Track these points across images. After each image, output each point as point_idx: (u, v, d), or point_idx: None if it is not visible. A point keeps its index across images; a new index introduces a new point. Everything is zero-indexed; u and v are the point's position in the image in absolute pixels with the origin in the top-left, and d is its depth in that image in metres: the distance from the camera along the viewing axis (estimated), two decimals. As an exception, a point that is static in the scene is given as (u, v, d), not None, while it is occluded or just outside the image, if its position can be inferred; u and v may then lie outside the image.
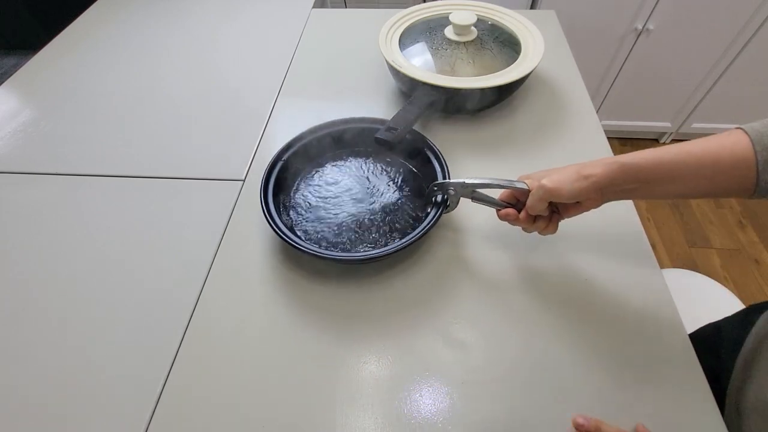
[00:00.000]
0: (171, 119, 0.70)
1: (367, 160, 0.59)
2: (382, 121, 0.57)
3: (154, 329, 0.45)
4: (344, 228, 0.51)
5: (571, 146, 0.62)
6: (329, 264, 0.49)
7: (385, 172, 0.58)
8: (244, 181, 0.59)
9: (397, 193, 0.55)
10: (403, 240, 0.46)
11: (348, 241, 0.50)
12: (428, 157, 0.54)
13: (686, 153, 0.36)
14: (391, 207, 0.54)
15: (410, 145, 0.57)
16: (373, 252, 0.46)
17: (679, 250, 1.42)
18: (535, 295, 0.47)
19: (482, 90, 0.60)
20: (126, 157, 0.64)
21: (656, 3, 1.25)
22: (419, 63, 0.65)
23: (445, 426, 0.38)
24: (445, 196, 0.48)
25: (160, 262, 0.51)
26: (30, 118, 0.71)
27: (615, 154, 0.59)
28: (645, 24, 1.31)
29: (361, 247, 0.49)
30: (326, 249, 0.49)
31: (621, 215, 0.53)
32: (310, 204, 0.54)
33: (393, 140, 0.53)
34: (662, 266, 0.50)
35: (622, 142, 1.75)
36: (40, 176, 0.62)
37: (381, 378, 0.41)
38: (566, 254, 0.50)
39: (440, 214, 0.48)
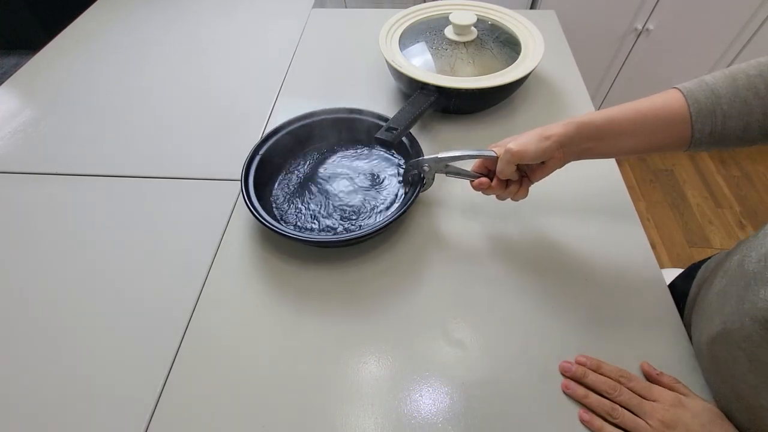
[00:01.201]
0: (171, 119, 0.70)
1: (346, 149, 0.61)
2: (359, 111, 0.59)
3: (154, 329, 0.45)
4: (330, 216, 0.53)
5: (571, 146, 0.62)
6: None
7: (363, 160, 0.60)
8: (244, 181, 0.59)
9: (378, 178, 0.57)
10: (388, 217, 0.47)
11: (334, 229, 0.52)
12: (404, 145, 0.56)
13: (633, 110, 0.41)
14: (374, 191, 0.55)
15: (378, 129, 0.57)
16: (358, 233, 0.47)
17: (679, 250, 1.42)
18: (535, 294, 0.47)
19: (482, 90, 0.60)
20: (126, 157, 0.64)
21: (656, 3, 1.25)
22: (419, 63, 0.65)
23: (445, 426, 0.38)
24: (421, 174, 0.50)
25: (160, 261, 0.51)
26: (30, 118, 0.71)
27: (615, 154, 0.59)
28: (645, 24, 1.31)
29: (347, 232, 0.51)
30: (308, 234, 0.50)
31: (621, 215, 0.53)
32: (293, 194, 0.56)
33: (393, 140, 0.53)
34: (662, 266, 0.51)
35: (622, 142, 1.75)
36: (40, 176, 0.62)
37: (381, 378, 0.41)
38: (566, 254, 0.50)
39: (419, 192, 0.49)
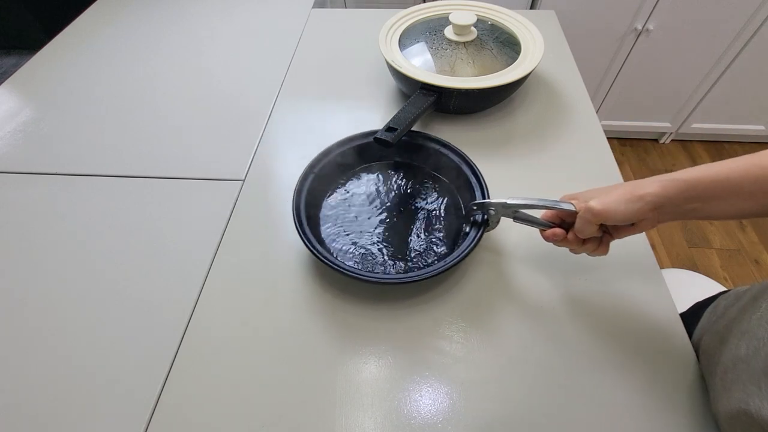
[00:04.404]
0: (171, 119, 0.70)
1: (400, 174, 0.58)
2: (423, 136, 0.56)
3: (154, 329, 0.45)
4: (374, 245, 0.50)
5: (570, 146, 0.62)
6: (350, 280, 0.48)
7: (419, 187, 0.56)
8: (243, 180, 0.59)
9: (431, 211, 0.53)
10: (447, 261, 0.44)
11: (374, 258, 0.49)
12: (465, 174, 0.53)
13: (757, 166, 0.33)
14: (426, 225, 0.52)
15: (445, 160, 0.55)
16: (413, 275, 0.43)
17: (678, 250, 1.42)
18: (533, 294, 0.47)
19: (482, 90, 0.60)
20: (126, 157, 0.64)
21: (656, 3, 1.25)
22: (419, 63, 0.65)
23: (445, 426, 0.38)
24: (485, 216, 0.47)
25: (160, 261, 0.51)
26: (29, 118, 0.71)
27: (615, 155, 0.60)
28: (645, 24, 1.31)
29: (391, 266, 0.48)
30: (353, 265, 0.47)
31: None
32: (338, 218, 0.53)
33: (393, 140, 0.53)
34: (662, 266, 0.50)
35: (621, 142, 1.75)
36: (40, 176, 0.62)
37: (381, 378, 0.41)
38: (565, 253, 0.50)
39: (481, 235, 0.46)
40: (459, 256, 0.44)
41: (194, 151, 0.64)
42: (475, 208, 0.47)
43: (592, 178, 0.58)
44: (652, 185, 0.35)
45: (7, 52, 0.80)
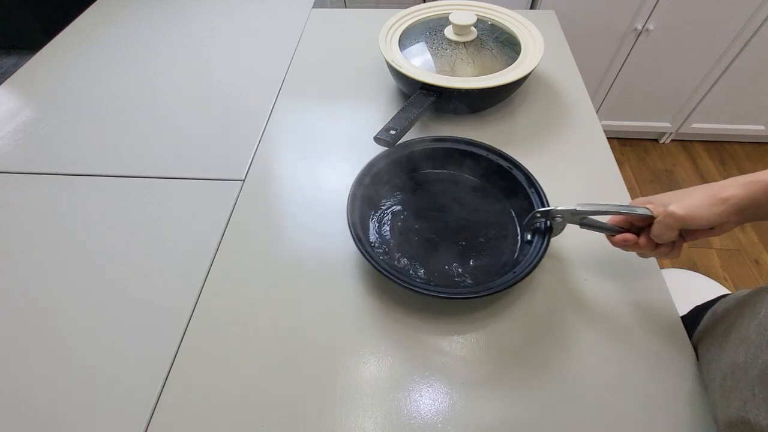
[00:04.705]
0: (171, 119, 0.70)
1: (453, 184, 0.56)
2: (469, 142, 0.55)
3: (154, 329, 0.45)
4: (424, 255, 0.49)
5: (570, 146, 0.62)
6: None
7: (472, 196, 0.55)
8: (243, 180, 0.59)
9: (481, 221, 0.52)
10: (517, 272, 0.42)
11: (420, 270, 0.48)
12: (518, 182, 0.51)
13: None
14: (478, 235, 0.51)
15: (496, 168, 0.54)
16: (478, 290, 0.42)
17: (678, 250, 1.42)
18: (532, 297, 0.47)
19: (482, 90, 0.60)
20: (126, 157, 0.64)
21: (656, 3, 1.25)
22: (419, 63, 0.65)
23: (445, 426, 0.38)
24: (549, 223, 0.45)
25: (160, 261, 0.51)
26: (29, 118, 0.71)
27: (615, 155, 0.60)
28: (645, 24, 1.31)
29: (436, 277, 0.47)
30: (408, 277, 0.45)
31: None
32: (392, 227, 0.51)
33: (392, 140, 0.53)
34: (662, 266, 0.50)
35: (621, 142, 1.75)
36: (40, 176, 0.62)
37: (381, 378, 0.41)
38: (566, 252, 0.50)
39: (548, 243, 0.44)
40: (528, 267, 0.43)
41: (194, 151, 0.64)
42: (538, 215, 0.45)
43: (592, 178, 0.58)
44: (735, 188, 0.34)
45: (7, 52, 0.80)
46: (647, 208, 0.39)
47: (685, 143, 1.74)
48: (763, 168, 0.35)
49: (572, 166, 0.60)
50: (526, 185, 0.51)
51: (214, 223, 0.54)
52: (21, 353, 0.44)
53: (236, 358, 0.43)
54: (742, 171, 1.61)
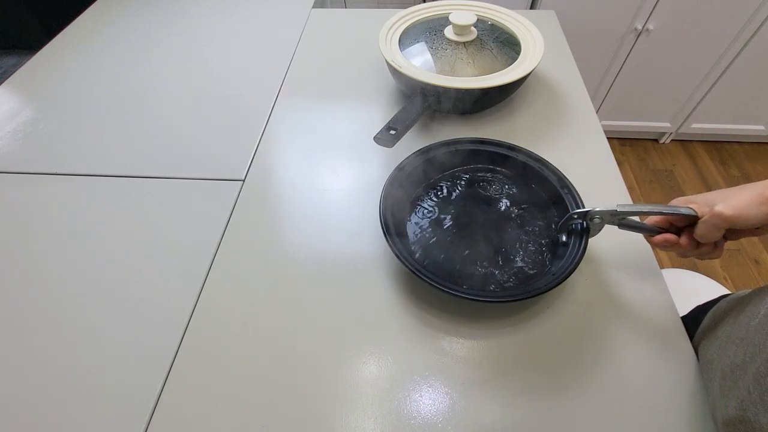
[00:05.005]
0: (171, 119, 0.70)
1: (485, 184, 0.56)
2: (510, 146, 0.55)
3: (154, 329, 0.45)
4: (457, 256, 0.48)
5: (570, 146, 0.62)
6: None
7: (504, 196, 0.54)
8: (243, 181, 0.59)
9: (517, 221, 0.51)
10: (557, 275, 0.42)
11: (453, 270, 0.47)
12: (552, 184, 0.51)
13: None
14: (512, 236, 0.50)
15: (530, 169, 0.54)
16: (523, 292, 0.42)
17: (678, 250, 1.42)
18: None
19: (482, 90, 0.60)
20: (126, 157, 0.64)
21: (656, 3, 1.25)
22: (419, 63, 0.65)
23: (445, 426, 0.38)
24: (586, 224, 0.44)
25: (160, 261, 0.51)
26: (30, 118, 0.71)
27: (615, 155, 0.60)
28: (645, 24, 1.31)
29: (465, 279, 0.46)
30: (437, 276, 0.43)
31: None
32: (422, 227, 0.51)
33: (392, 140, 0.53)
34: (662, 266, 0.50)
35: (621, 142, 1.75)
36: (40, 176, 0.62)
37: (381, 378, 0.41)
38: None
39: (586, 244, 0.44)
40: (567, 268, 0.42)
41: (194, 151, 0.64)
42: (575, 216, 0.45)
43: (592, 178, 0.58)
44: None
45: (7, 52, 0.80)
46: (691, 208, 0.38)
47: (685, 143, 1.74)
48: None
49: (572, 166, 0.59)
50: (558, 186, 0.51)
51: (214, 223, 0.54)
52: (21, 353, 0.44)
53: (236, 358, 0.43)
54: (742, 171, 1.61)
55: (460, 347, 0.43)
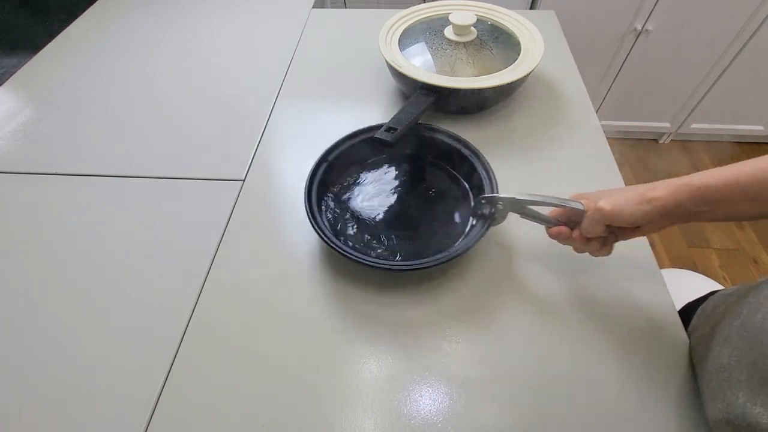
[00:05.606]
0: (171, 119, 0.70)
1: (411, 166, 0.59)
2: (433, 129, 0.57)
3: (154, 329, 0.45)
4: (382, 233, 0.51)
5: (570, 146, 0.62)
6: (352, 266, 0.49)
7: (429, 180, 0.57)
8: (243, 181, 0.59)
9: (441, 203, 0.54)
10: (449, 252, 0.45)
11: (380, 247, 0.50)
12: (476, 168, 0.53)
13: (763, 170, 0.33)
14: (435, 217, 0.53)
15: (457, 153, 0.56)
16: (417, 262, 0.44)
17: (678, 250, 1.42)
18: (536, 291, 0.47)
19: (482, 90, 0.60)
20: (126, 157, 0.64)
21: (655, 3, 1.25)
22: (419, 63, 0.65)
23: (445, 426, 0.38)
24: (493, 210, 0.47)
25: (160, 262, 0.51)
26: (30, 118, 0.71)
27: (615, 155, 0.60)
28: (644, 24, 1.31)
29: (399, 255, 0.49)
30: (361, 253, 0.47)
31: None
32: (349, 207, 0.54)
33: (392, 140, 0.53)
34: (661, 266, 0.51)
35: (621, 142, 1.75)
36: (40, 176, 0.62)
37: (381, 378, 0.41)
38: (567, 252, 0.50)
39: (487, 228, 0.46)
40: (463, 247, 0.45)
41: (194, 151, 0.64)
42: (483, 201, 0.47)
43: (592, 178, 0.58)
44: (663, 189, 0.35)
45: (8, 53, 0.80)
46: (580, 202, 0.40)
47: (684, 143, 1.74)
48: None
49: (572, 166, 0.60)
50: (483, 173, 0.52)
51: (214, 223, 0.54)
52: (21, 353, 0.44)
53: (236, 358, 0.43)
54: (742, 171, 1.61)
55: (460, 347, 0.43)
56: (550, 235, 0.43)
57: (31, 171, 0.62)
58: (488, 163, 0.53)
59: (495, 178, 0.51)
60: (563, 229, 0.42)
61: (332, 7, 1.14)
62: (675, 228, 1.47)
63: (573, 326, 0.44)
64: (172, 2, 0.97)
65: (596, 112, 0.68)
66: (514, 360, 0.42)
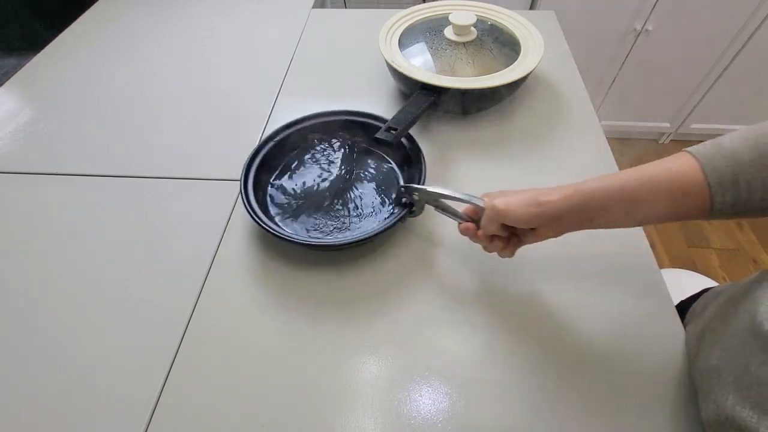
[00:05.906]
0: (171, 119, 0.70)
1: (353, 153, 0.60)
2: (363, 114, 0.59)
3: (153, 330, 0.45)
4: (323, 218, 0.53)
5: (570, 146, 0.62)
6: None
7: (366, 166, 0.59)
8: (244, 181, 0.59)
9: (374, 189, 0.56)
10: (366, 233, 0.47)
11: (327, 231, 0.52)
12: (414, 158, 0.54)
13: (647, 178, 0.35)
14: (366, 203, 0.55)
15: (401, 144, 0.57)
16: (342, 239, 0.48)
17: (678, 250, 1.42)
18: (528, 294, 0.47)
19: (482, 90, 0.60)
20: (126, 157, 0.64)
21: (655, 3, 1.26)
22: (419, 63, 0.65)
23: (445, 426, 0.38)
24: (410, 200, 0.48)
25: (160, 262, 0.51)
26: (30, 118, 0.71)
27: (615, 155, 0.60)
28: (644, 24, 1.31)
29: (339, 236, 0.51)
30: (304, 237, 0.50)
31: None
32: (293, 193, 0.56)
33: (392, 140, 0.53)
34: (661, 266, 0.51)
35: (621, 142, 1.75)
36: (40, 176, 0.62)
37: (381, 378, 0.41)
38: (564, 253, 0.50)
39: (402, 216, 0.48)
40: (374, 232, 0.46)
41: (194, 151, 0.64)
42: (402, 190, 0.48)
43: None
44: (555, 194, 0.36)
45: (9, 53, 0.80)
46: (483, 200, 0.40)
47: (684, 143, 1.72)
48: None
49: (572, 166, 0.60)
50: (414, 161, 0.54)
51: (214, 223, 0.54)
52: (21, 353, 0.44)
53: (236, 359, 0.43)
54: (742, 171, 1.61)
55: (460, 348, 0.43)
56: (461, 231, 0.44)
57: (31, 171, 0.62)
58: (423, 153, 0.54)
59: (426, 168, 0.52)
60: (470, 225, 0.43)
61: (332, 7, 1.14)
62: (675, 228, 1.47)
63: (572, 327, 0.44)
64: (172, 2, 0.97)
65: (596, 112, 0.67)
66: (514, 360, 0.42)
